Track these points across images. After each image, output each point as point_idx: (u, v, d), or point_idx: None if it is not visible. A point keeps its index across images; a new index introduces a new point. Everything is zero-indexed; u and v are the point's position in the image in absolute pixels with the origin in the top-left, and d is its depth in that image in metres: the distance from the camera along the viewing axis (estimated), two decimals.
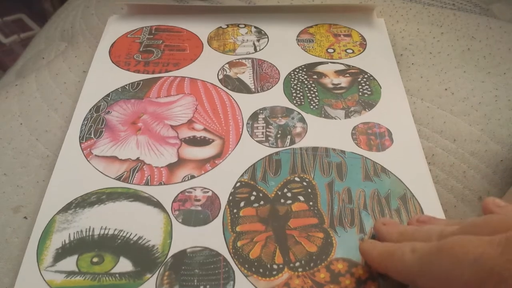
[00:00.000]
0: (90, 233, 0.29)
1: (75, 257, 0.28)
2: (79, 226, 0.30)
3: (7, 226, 0.31)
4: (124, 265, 0.28)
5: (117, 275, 0.28)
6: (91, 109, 0.37)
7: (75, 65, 0.43)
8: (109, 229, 0.30)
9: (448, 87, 0.40)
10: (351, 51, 0.44)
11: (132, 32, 0.45)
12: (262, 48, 0.44)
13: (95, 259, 0.28)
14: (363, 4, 0.48)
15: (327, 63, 0.42)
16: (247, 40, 0.45)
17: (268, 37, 0.45)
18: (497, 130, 0.37)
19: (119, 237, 0.29)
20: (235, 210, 0.31)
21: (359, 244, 0.28)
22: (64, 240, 0.29)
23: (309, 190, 0.32)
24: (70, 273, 0.28)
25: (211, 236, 0.29)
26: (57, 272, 0.28)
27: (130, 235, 0.29)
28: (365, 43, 0.44)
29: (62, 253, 0.28)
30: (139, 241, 0.29)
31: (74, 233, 0.29)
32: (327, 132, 0.36)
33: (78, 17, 0.49)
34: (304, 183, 0.32)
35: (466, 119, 0.38)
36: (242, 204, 0.31)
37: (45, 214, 0.31)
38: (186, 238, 0.29)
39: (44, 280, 0.27)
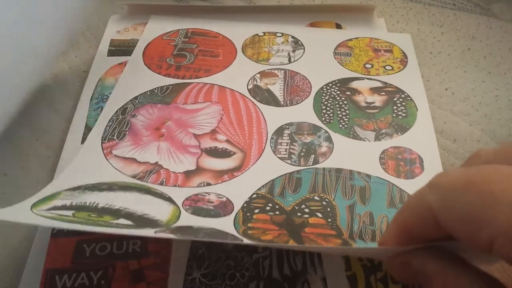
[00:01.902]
0: (94, 205, 0.28)
1: (72, 211, 0.27)
2: (84, 200, 0.29)
3: (7, 226, 0.31)
4: (124, 222, 0.27)
5: (114, 224, 0.27)
6: (117, 110, 0.37)
7: (76, 65, 0.43)
8: (115, 205, 0.29)
9: (448, 87, 0.40)
10: (390, 67, 0.42)
11: (168, 34, 0.45)
12: (297, 59, 0.43)
13: (93, 215, 0.27)
14: (364, 4, 0.47)
15: (363, 79, 0.40)
16: (282, 50, 0.44)
17: (304, 48, 0.44)
18: (497, 130, 0.37)
19: (123, 210, 0.28)
20: (248, 214, 0.30)
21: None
22: (65, 204, 0.28)
23: (328, 209, 0.31)
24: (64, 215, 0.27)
25: (220, 226, 0.29)
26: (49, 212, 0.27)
27: (136, 211, 0.28)
28: (406, 60, 0.42)
29: (59, 207, 0.27)
30: (144, 215, 0.28)
31: (77, 202, 0.28)
32: (354, 153, 0.34)
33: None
34: (324, 203, 0.31)
35: (467, 119, 0.38)
36: (256, 210, 0.30)
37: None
38: (194, 221, 0.29)
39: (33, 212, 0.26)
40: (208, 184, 0.32)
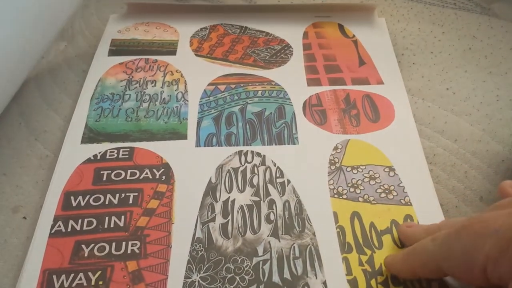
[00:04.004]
0: None
1: None
2: None
3: (6, 226, 0.32)
4: None
5: None
6: None
7: (75, 64, 0.43)
8: None
9: (449, 86, 0.41)
10: None
11: None
12: None
13: None
14: (364, 4, 0.47)
15: None
16: None
17: None
18: (498, 130, 0.37)
19: None
20: None
21: (384, 260, 0.28)
22: None
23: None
24: None
25: None
26: None
27: None
28: None
29: None
30: None
31: None
32: None
33: (78, 17, 0.49)
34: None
35: (468, 119, 0.38)
36: None
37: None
38: None
39: None
40: None
